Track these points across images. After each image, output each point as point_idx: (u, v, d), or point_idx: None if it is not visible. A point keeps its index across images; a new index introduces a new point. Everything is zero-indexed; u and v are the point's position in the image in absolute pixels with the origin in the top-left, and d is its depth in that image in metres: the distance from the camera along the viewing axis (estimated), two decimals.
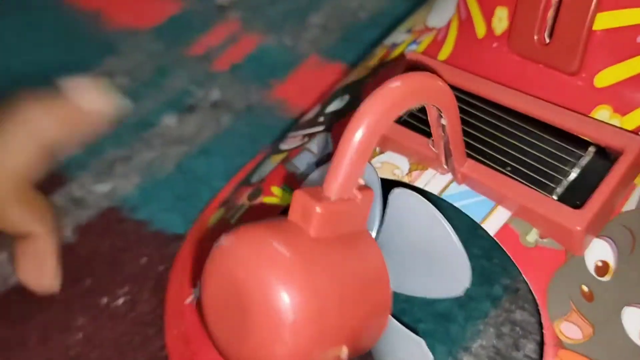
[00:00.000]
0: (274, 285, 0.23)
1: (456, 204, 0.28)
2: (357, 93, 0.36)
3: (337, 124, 0.35)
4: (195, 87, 0.47)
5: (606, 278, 0.27)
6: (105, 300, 0.35)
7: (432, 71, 0.30)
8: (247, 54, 0.49)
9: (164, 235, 0.38)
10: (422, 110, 0.25)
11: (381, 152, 0.31)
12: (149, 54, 0.49)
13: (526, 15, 0.30)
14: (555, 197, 0.27)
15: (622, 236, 0.27)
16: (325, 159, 0.33)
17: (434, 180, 0.29)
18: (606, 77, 0.29)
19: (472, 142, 0.29)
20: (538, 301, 0.26)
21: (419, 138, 0.29)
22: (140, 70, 0.48)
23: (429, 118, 0.26)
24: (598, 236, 0.27)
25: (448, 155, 0.28)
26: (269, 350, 0.24)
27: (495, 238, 0.28)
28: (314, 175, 0.30)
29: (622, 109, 0.29)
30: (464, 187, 0.29)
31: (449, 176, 0.29)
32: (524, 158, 0.28)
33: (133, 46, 0.50)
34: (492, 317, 0.32)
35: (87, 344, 0.34)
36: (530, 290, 0.27)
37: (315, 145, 0.34)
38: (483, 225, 0.28)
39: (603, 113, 0.29)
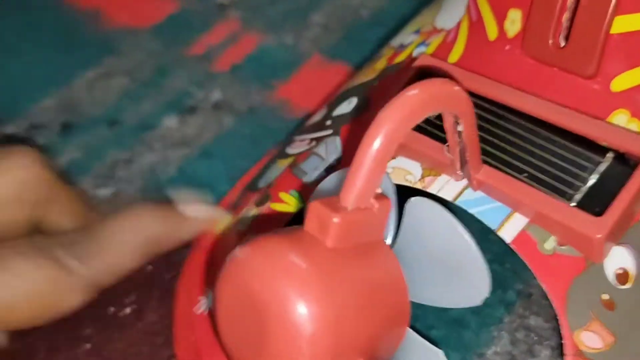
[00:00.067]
0: (291, 297, 0.23)
1: (471, 211, 0.28)
2: (364, 96, 0.36)
3: (346, 127, 0.34)
4: (195, 88, 0.46)
5: (627, 286, 0.27)
6: (112, 309, 0.34)
7: (447, 76, 0.30)
8: (247, 53, 0.48)
9: None
10: (435, 114, 0.25)
11: (393, 158, 0.30)
12: (149, 54, 0.49)
13: (541, 18, 0.29)
14: (573, 204, 0.27)
15: None
16: (334, 163, 0.33)
17: (447, 186, 0.29)
18: (623, 81, 0.28)
19: (487, 147, 0.29)
20: (557, 310, 0.26)
21: (432, 143, 0.29)
22: (139, 70, 0.48)
23: (444, 124, 0.26)
24: (618, 243, 0.27)
25: (464, 161, 0.27)
26: None
27: (511, 245, 0.27)
28: (325, 183, 0.29)
29: None
30: (479, 194, 0.28)
31: (463, 182, 0.29)
32: (540, 164, 0.28)
33: (132, 45, 0.49)
34: (506, 323, 0.32)
35: (95, 354, 0.33)
36: (543, 295, 0.27)
37: (323, 150, 0.34)
38: (499, 233, 0.27)
39: (620, 118, 0.28)
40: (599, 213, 0.26)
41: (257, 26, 0.50)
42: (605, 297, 0.26)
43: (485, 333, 0.32)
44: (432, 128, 0.29)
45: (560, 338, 0.26)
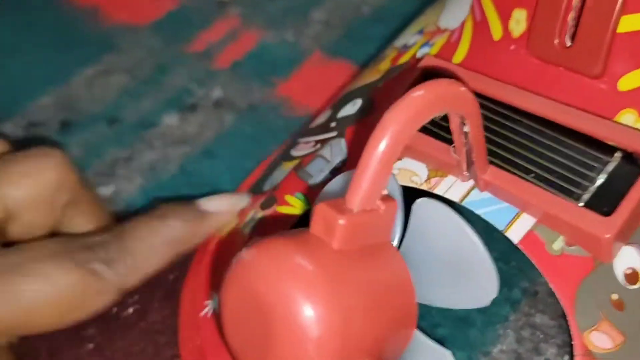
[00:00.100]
0: (297, 299, 0.23)
1: (478, 212, 0.28)
2: (369, 97, 0.35)
3: (350, 129, 0.34)
4: (196, 85, 0.46)
5: (636, 286, 0.26)
6: (115, 309, 0.34)
7: (452, 76, 0.30)
8: (248, 50, 0.48)
9: None
10: (441, 115, 0.25)
11: (399, 159, 0.30)
12: (148, 51, 0.48)
13: (547, 18, 0.29)
14: (582, 204, 0.27)
15: None
16: (339, 166, 0.33)
17: (454, 187, 0.29)
18: (630, 81, 0.28)
19: (493, 148, 0.29)
20: (566, 311, 0.26)
21: (438, 144, 0.29)
22: (139, 67, 0.47)
23: (450, 125, 0.26)
24: (627, 243, 0.27)
25: (470, 162, 0.27)
26: None
27: (519, 246, 0.27)
28: (331, 185, 0.29)
29: None
30: (486, 194, 0.28)
31: (470, 183, 0.29)
32: (547, 164, 0.28)
33: (132, 43, 0.49)
34: (512, 321, 0.32)
35: (98, 354, 0.33)
36: (549, 293, 0.27)
37: (328, 152, 0.34)
38: (507, 234, 0.27)
39: (628, 117, 0.28)
40: (607, 213, 0.26)
41: (257, 23, 0.50)
42: (615, 297, 0.26)
43: (491, 331, 0.32)
44: (438, 129, 0.29)
45: (567, 336, 0.26)
